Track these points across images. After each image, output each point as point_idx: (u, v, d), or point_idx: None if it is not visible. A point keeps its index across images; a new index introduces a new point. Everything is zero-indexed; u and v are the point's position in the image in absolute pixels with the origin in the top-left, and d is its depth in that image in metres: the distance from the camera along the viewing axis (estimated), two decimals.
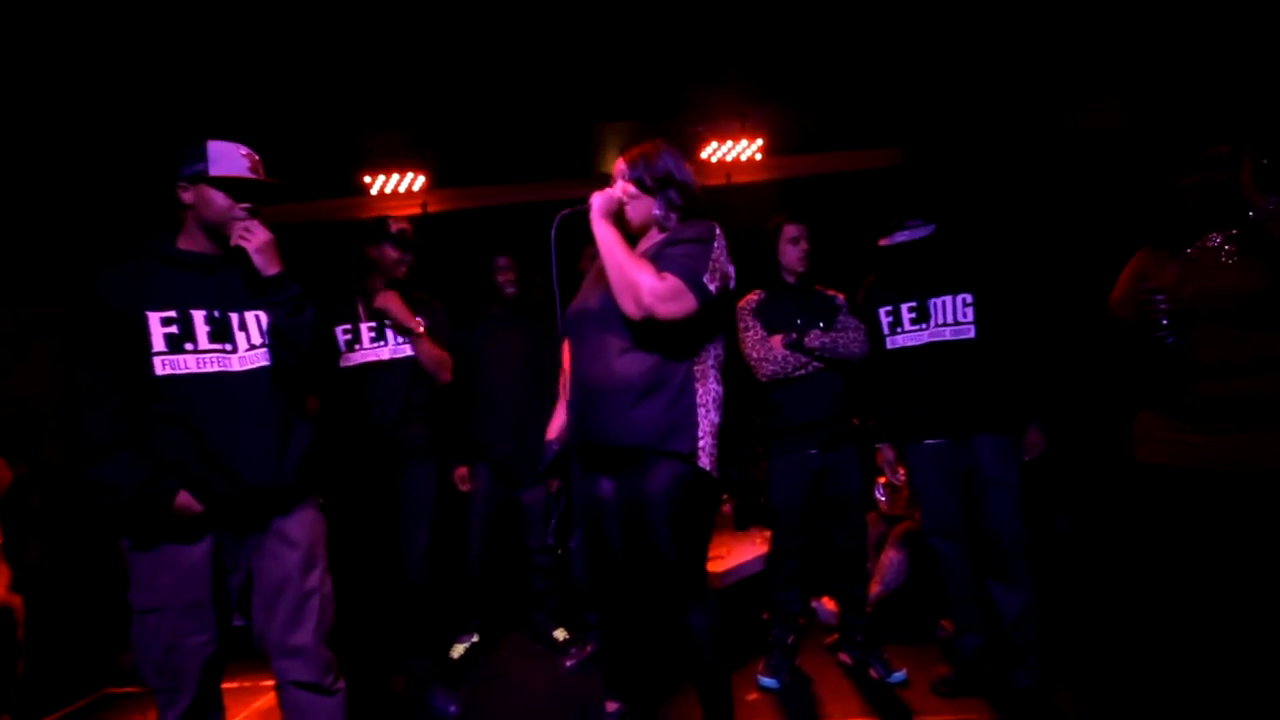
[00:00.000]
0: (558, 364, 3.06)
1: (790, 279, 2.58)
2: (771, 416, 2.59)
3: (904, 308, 2.42)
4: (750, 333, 2.54)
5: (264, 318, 1.67)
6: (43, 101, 2.97)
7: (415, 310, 2.49)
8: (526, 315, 3.04)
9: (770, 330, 2.53)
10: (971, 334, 2.31)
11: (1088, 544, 3.37)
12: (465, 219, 4.41)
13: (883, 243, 2.38)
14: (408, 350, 2.46)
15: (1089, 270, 3.22)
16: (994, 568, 2.30)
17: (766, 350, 2.49)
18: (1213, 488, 1.84)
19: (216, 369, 1.60)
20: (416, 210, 4.29)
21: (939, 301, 2.35)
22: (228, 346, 1.62)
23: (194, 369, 1.58)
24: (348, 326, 2.44)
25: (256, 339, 1.66)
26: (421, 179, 4.11)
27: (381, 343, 2.45)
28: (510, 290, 2.97)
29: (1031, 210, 3.51)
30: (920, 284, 2.39)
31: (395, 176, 4.07)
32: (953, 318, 2.33)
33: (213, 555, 1.61)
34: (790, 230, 2.55)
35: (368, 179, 4.08)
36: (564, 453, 1.92)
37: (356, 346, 2.43)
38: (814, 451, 2.52)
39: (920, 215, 2.34)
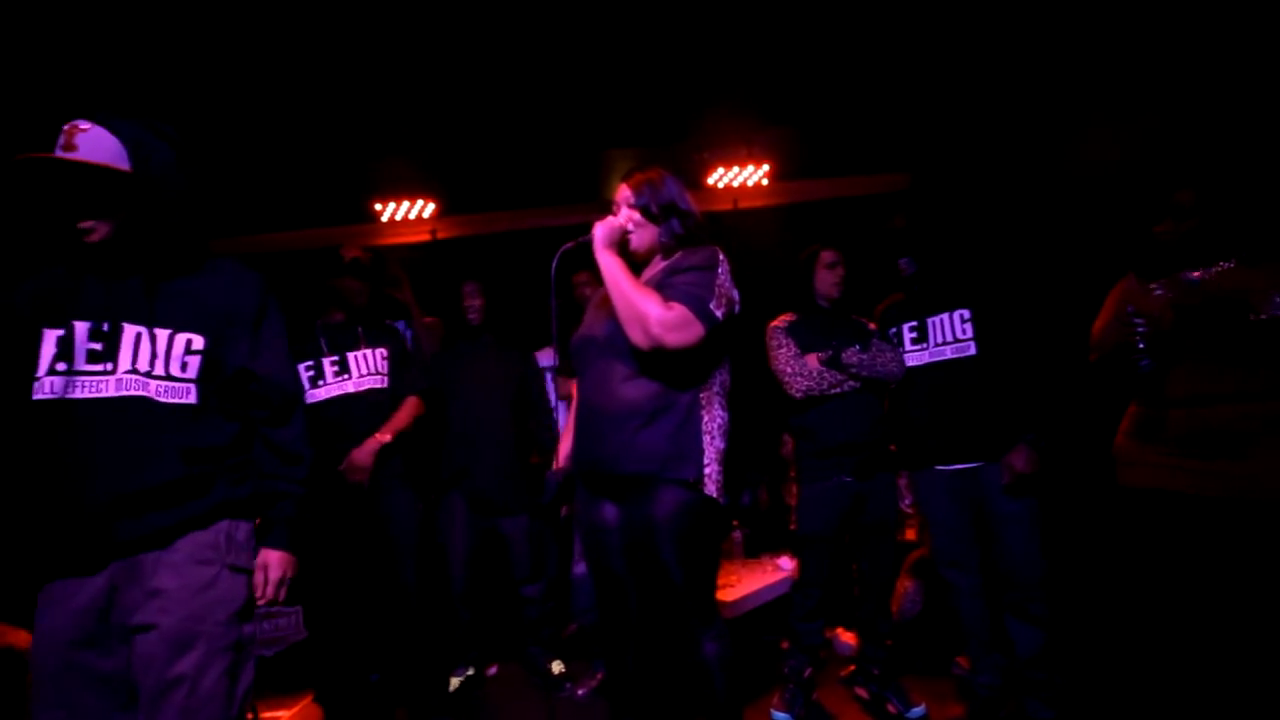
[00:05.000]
0: (542, 394, 3.04)
1: (824, 304, 2.54)
2: (804, 440, 2.50)
3: (905, 328, 2.41)
4: (784, 350, 2.46)
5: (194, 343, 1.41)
6: (43, 119, 3.01)
7: (379, 340, 2.50)
8: (506, 344, 3.00)
9: (804, 350, 2.48)
10: (973, 350, 2.25)
11: (1084, 570, 3.28)
12: (474, 245, 4.45)
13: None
14: (371, 382, 2.44)
15: (1082, 293, 3.20)
16: (1011, 604, 2.22)
17: (801, 366, 2.41)
18: (1204, 513, 1.86)
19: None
20: (426, 237, 4.33)
21: (936, 320, 2.33)
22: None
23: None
24: (310, 363, 2.40)
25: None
26: (431, 206, 4.15)
27: (345, 376, 2.42)
28: (473, 317, 2.93)
29: (1039, 232, 3.49)
30: (920, 304, 2.39)
31: (405, 204, 4.12)
32: (952, 335, 2.29)
33: (83, 614, 1.27)
34: (827, 256, 2.53)
35: (378, 206, 4.12)
36: (569, 479, 1.90)
37: (320, 383, 2.39)
38: (849, 479, 2.42)
39: (911, 254, 2.39)
